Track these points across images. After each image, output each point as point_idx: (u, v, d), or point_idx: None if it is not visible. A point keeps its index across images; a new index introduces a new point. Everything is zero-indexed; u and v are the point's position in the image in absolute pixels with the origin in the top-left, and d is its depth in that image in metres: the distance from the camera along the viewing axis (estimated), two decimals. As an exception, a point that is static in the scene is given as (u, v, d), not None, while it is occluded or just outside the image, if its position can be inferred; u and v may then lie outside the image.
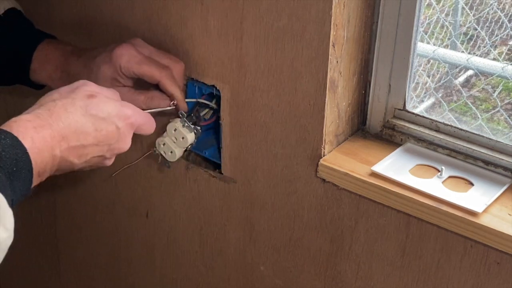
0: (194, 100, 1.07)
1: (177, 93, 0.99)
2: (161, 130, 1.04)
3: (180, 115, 1.01)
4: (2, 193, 0.68)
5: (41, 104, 0.79)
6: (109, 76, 0.97)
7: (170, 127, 1.03)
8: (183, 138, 1.03)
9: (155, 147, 1.05)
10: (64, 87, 0.83)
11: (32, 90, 1.08)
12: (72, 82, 1.00)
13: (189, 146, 1.04)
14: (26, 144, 0.73)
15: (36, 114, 0.76)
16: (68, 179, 1.38)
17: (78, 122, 0.79)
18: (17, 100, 1.38)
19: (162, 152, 1.05)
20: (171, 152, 1.04)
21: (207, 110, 1.08)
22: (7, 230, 0.68)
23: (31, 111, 0.77)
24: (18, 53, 1.02)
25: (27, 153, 0.72)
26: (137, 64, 0.96)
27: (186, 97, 1.08)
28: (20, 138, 0.72)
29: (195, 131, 1.03)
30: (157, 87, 0.99)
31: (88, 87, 0.83)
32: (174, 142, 1.04)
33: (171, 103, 0.99)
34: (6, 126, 0.73)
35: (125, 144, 0.86)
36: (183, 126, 1.02)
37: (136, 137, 1.18)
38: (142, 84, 0.99)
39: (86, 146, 0.80)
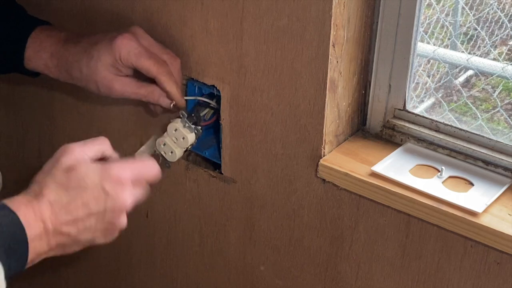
0: (194, 98, 1.07)
1: (174, 91, 0.98)
2: (161, 130, 1.04)
3: (181, 116, 1.01)
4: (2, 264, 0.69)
5: (29, 188, 0.77)
6: (109, 64, 0.97)
7: (170, 127, 1.03)
8: (183, 138, 1.03)
9: (156, 147, 1.05)
10: (47, 163, 0.79)
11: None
12: (71, 69, 1.00)
13: (190, 147, 1.04)
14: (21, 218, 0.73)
15: (22, 196, 0.76)
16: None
17: (63, 199, 0.76)
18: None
19: (163, 153, 1.05)
20: (171, 152, 1.04)
21: (207, 110, 1.08)
22: None
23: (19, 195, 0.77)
24: (11, 42, 1.01)
25: (23, 227, 0.72)
26: (136, 57, 0.96)
27: (186, 96, 1.08)
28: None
29: (195, 131, 1.03)
30: None
31: (68, 157, 0.78)
32: (175, 142, 1.04)
33: (171, 104, 1.00)
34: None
35: (123, 201, 0.79)
36: (184, 126, 1.02)
37: (136, 138, 1.19)
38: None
39: (82, 218, 0.77)
